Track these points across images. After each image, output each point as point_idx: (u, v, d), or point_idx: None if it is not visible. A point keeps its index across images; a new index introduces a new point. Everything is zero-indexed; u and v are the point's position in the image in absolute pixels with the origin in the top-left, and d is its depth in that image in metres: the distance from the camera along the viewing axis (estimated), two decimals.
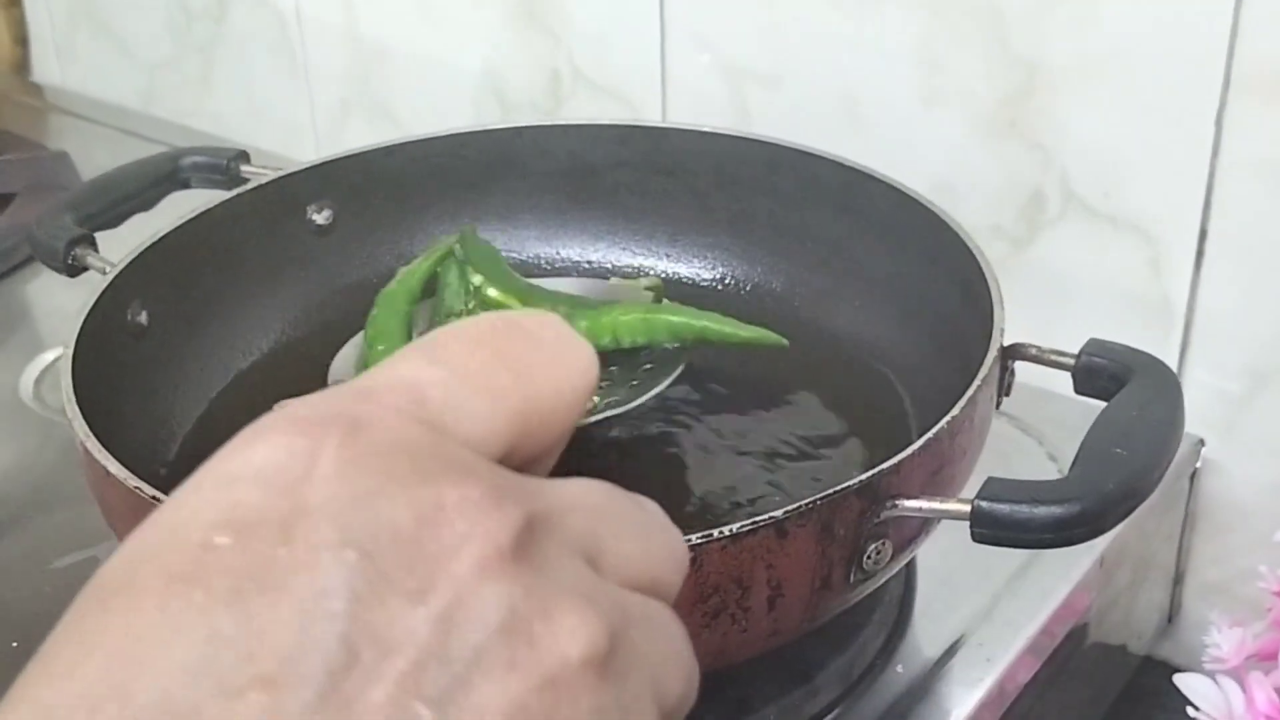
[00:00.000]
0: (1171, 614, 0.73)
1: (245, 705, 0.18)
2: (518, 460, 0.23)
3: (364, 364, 0.57)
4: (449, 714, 0.19)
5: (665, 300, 0.60)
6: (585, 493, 0.23)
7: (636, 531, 0.24)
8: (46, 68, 1.14)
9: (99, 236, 0.63)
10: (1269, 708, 0.56)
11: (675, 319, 0.57)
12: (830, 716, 0.52)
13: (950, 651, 0.56)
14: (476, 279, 0.60)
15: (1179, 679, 0.56)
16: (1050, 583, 0.59)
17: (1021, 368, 0.55)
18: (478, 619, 0.20)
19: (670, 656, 0.23)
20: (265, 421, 0.21)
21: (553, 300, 0.59)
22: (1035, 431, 0.67)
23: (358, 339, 0.58)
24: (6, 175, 0.87)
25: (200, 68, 1.03)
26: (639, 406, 0.54)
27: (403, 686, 0.19)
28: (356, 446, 0.21)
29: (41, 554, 0.61)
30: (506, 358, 0.23)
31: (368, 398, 0.22)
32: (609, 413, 0.54)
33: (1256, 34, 0.61)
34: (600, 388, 0.55)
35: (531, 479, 0.23)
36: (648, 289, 0.61)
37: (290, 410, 0.22)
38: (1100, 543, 0.60)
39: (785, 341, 0.57)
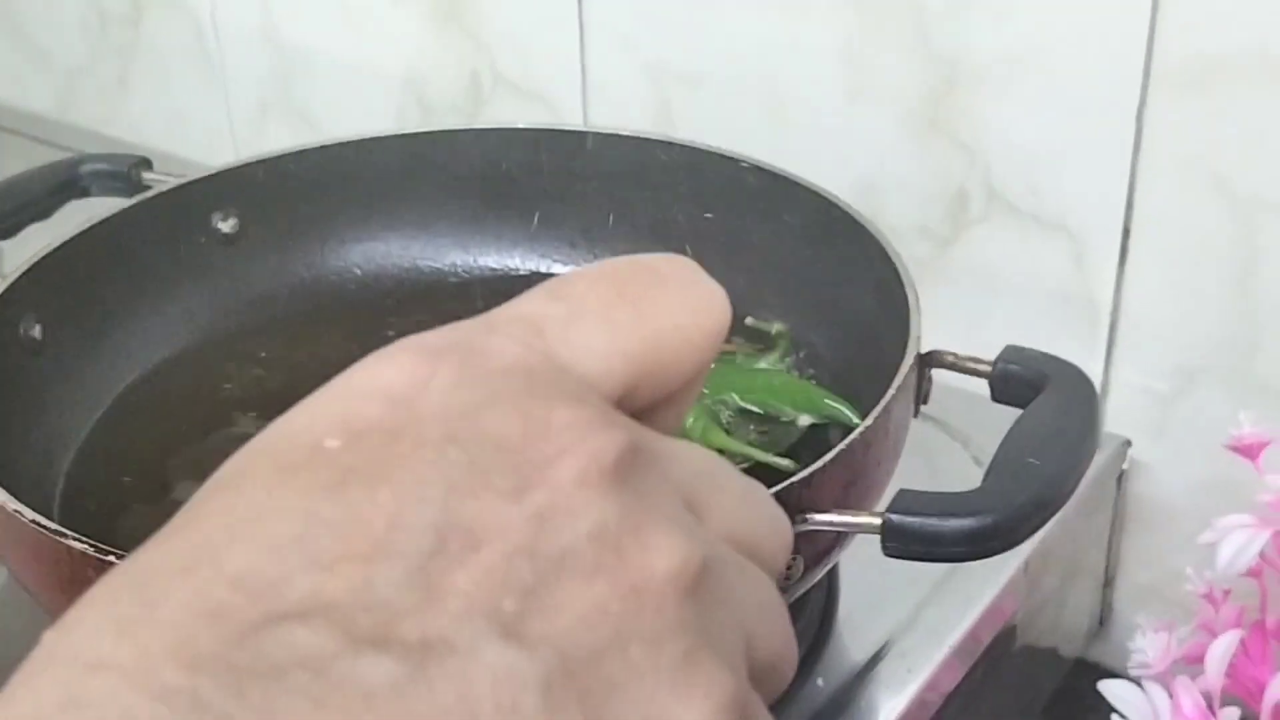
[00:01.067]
0: (1103, 617, 0.72)
1: (334, 577, 0.19)
2: (640, 402, 0.23)
3: None
4: (530, 607, 0.19)
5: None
6: (695, 451, 0.23)
7: (742, 497, 0.24)
8: None
9: None
10: (1195, 713, 0.55)
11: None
12: None
13: (872, 662, 0.55)
14: None
15: (1104, 685, 0.55)
16: (975, 589, 0.58)
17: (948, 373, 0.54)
18: (569, 523, 0.20)
19: (766, 613, 0.23)
20: (390, 347, 0.22)
21: None
22: (960, 435, 0.66)
23: None
24: None
25: (116, 73, 1.01)
26: None
27: (489, 576, 0.19)
28: (474, 368, 0.21)
29: None
30: (629, 295, 0.23)
31: (488, 329, 0.22)
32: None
33: (1175, 29, 0.60)
34: None
35: (641, 426, 0.22)
36: (778, 333, 0.60)
37: (416, 338, 0.22)
38: (1025, 548, 0.59)
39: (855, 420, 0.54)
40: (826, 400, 0.56)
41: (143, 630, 0.18)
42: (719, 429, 0.55)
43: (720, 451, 0.52)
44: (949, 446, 0.65)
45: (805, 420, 0.56)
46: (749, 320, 0.60)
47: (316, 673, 0.18)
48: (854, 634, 0.56)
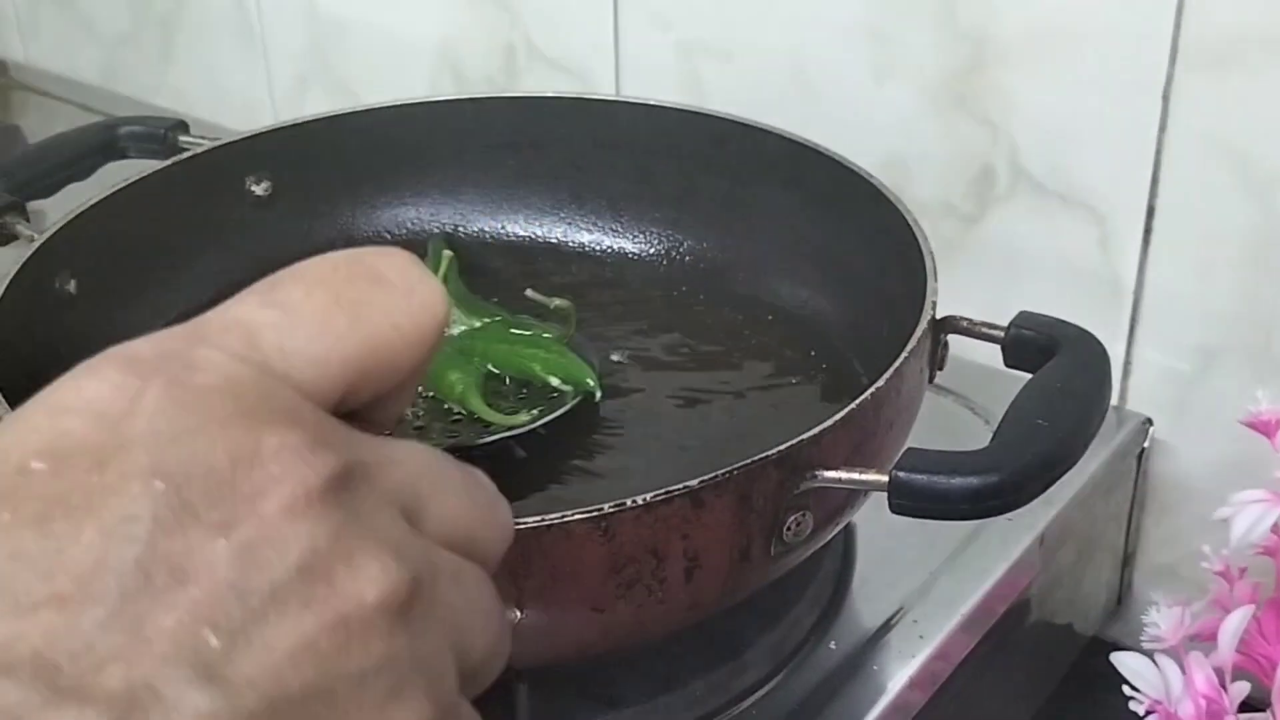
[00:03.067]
0: (1121, 595, 0.72)
1: (36, 622, 0.19)
2: (359, 401, 0.24)
3: None
4: (238, 645, 0.20)
5: (575, 322, 0.60)
6: (411, 452, 0.23)
7: (459, 493, 0.24)
8: (8, 43, 1.13)
9: (36, 207, 0.62)
10: (1207, 688, 0.55)
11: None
12: (760, 693, 0.52)
13: (885, 628, 0.55)
14: None
15: (1116, 657, 0.56)
16: (989, 560, 0.58)
17: (969, 345, 0.54)
18: (278, 556, 0.20)
19: (478, 615, 0.23)
20: (98, 358, 0.22)
21: (479, 312, 0.60)
22: (981, 409, 0.66)
23: None
24: None
25: (160, 43, 1.02)
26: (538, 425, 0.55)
27: (194, 614, 0.19)
28: (183, 386, 0.21)
29: None
30: (345, 299, 0.23)
31: (200, 339, 0.22)
32: (513, 432, 0.55)
33: (1203, 6, 0.60)
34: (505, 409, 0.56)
35: (358, 432, 0.23)
36: (558, 309, 0.60)
37: (123, 349, 0.22)
38: (1040, 521, 0.60)
39: (596, 392, 0.57)
40: (573, 365, 0.58)
41: None
42: (477, 393, 0.56)
43: (471, 415, 0.55)
44: (970, 420, 0.65)
45: (556, 382, 0.57)
46: (529, 292, 0.60)
47: None
48: (867, 600, 0.57)
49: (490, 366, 0.58)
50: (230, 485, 0.20)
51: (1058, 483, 0.45)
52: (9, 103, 1.07)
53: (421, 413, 0.57)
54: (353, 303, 0.23)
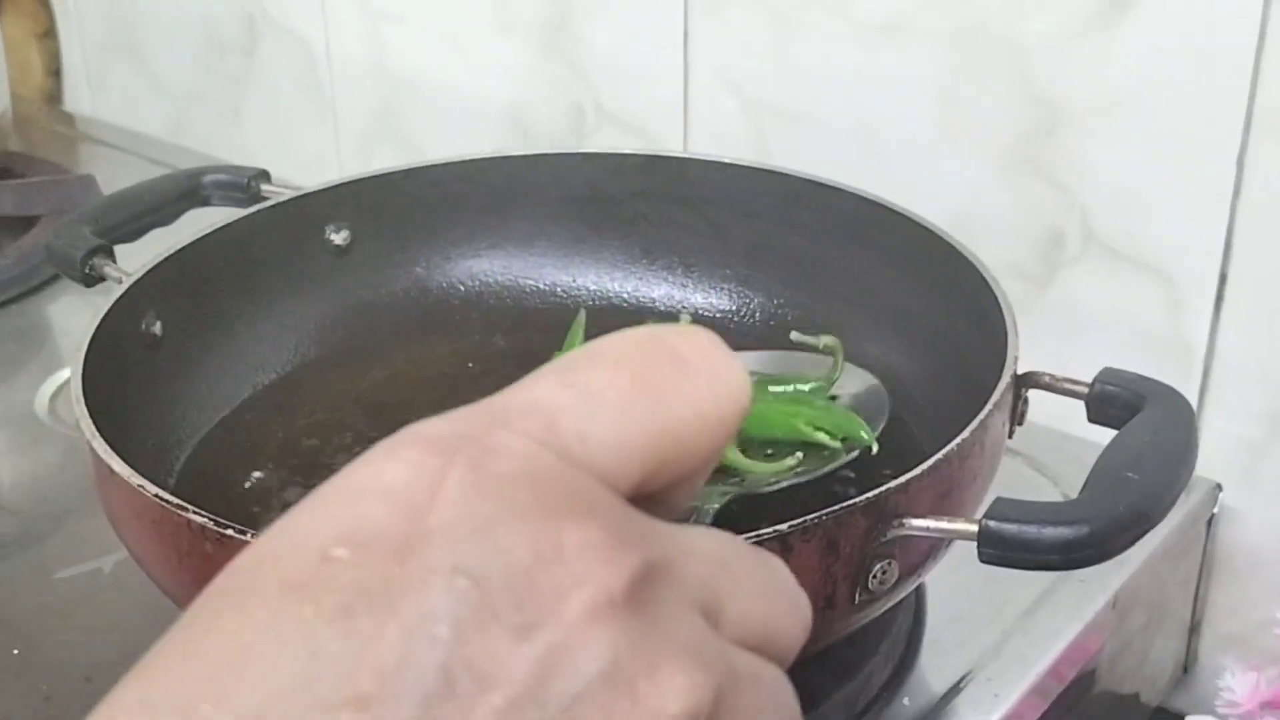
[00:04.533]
0: (1187, 664, 0.72)
1: None
2: (655, 487, 0.23)
3: None
4: None
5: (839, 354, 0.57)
6: (711, 542, 0.23)
7: (758, 587, 0.23)
8: (78, 97, 1.15)
9: (119, 252, 0.63)
10: None
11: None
12: None
13: (957, 687, 0.55)
14: None
15: None
16: (1061, 621, 0.58)
17: (1039, 409, 0.54)
18: (580, 665, 0.19)
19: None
20: (398, 437, 0.21)
21: None
22: (1051, 472, 0.66)
23: None
24: (32, 197, 0.87)
25: (229, 99, 1.04)
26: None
27: None
28: (483, 472, 0.20)
29: (48, 565, 0.61)
30: (646, 383, 0.22)
31: (500, 421, 0.21)
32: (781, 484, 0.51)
33: (1278, 72, 0.60)
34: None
35: (658, 523, 0.22)
36: (826, 346, 0.57)
37: (423, 428, 0.21)
38: (1114, 583, 0.59)
39: (872, 445, 0.53)
40: (841, 418, 0.54)
41: None
42: (731, 447, 0.52)
43: (729, 469, 0.51)
44: (1038, 481, 0.65)
45: (824, 439, 0.53)
46: (794, 335, 0.57)
47: None
48: (939, 657, 0.56)
49: (759, 432, 0.54)
50: (531, 585, 0.20)
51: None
52: (77, 155, 1.09)
53: None
54: (654, 387, 0.22)
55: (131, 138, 1.09)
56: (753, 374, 0.57)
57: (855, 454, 0.53)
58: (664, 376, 0.22)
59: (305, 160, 1.00)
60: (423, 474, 0.20)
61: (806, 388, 0.56)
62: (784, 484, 0.51)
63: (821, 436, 0.53)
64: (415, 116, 0.93)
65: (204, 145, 1.07)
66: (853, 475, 0.54)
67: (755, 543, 0.42)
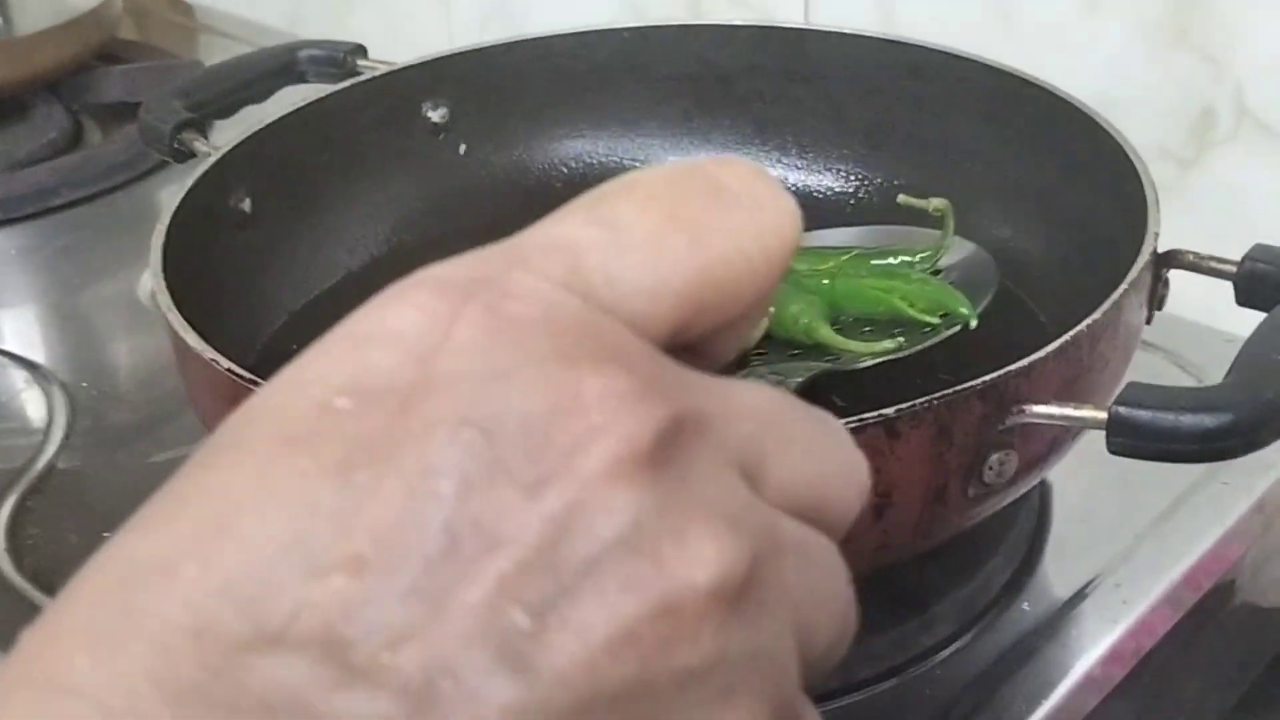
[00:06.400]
0: None
1: (330, 587, 0.17)
2: (694, 335, 0.20)
3: None
4: (549, 626, 0.17)
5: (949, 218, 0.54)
6: (756, 397, 0.20)
7: (809, 446, 0.21)
8: None
9: (215, 132, 0.61)
10: None
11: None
12: (946, 651, 0.48)
13: (1082, 593, 0.51)
14: None
15: None
16: (1200, 526, 0.54)
17: (1182, 299, 0.50)
18: (598, 526, 0.17)
19: (825, 597, 0.20)
20: (407, 282, 0.19)
21: (824, 258, 0.53)
22: (1194, 368, 0.61)
23: None
24: (140, 82, 0.86)
25: None
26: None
27: (502, 588, 0.17)
28: (498, 316, 0.18)
29: (142, 450, 0.60)
30: (683, 217, 0.20)
31: (519, 262, 0.19)
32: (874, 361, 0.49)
33: None
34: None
35: (694, 373, 0.20)
36: (936, 209, 0.54)
37: (433, 271, 0.19)
38: (1259, 485, 0.55)
39: (971, 320, 0.50)
40: (940, 292, 0.51)
41: (120, 651, 0.17)
42: (824, 324, 0.50)
43: (822, 347, 0.49)
44: (1177, 376, 0.60)
45: (918, 314, 0.51)
46: (901, 199, 0.54)
47: (303, 715, 0.16)
48: (1064, 561, 0.52)
49: (839, 311, 0.52)
50: (546, 437, 0.18)
51: (1276, 444, 0.40)
52: (195, 44, 1.08)
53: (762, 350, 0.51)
54: (691, 222, 0.20)
55: (249, 27, 1.08)
56: (854, 249, 0.54)
57: (956, 329, 0.50)
58: (702, 210, 0.20)
59: (419, 46, 0.98)
60: (433, 319, 0.18)
61: (913, 258, 0.53)
62: (876, 361, 0.48)
63: (916, 312, 0.50)
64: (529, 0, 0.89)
65: (319, 35, 1.05)
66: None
67: (859, 428, 0.38)
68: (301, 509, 0.17)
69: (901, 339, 0.49)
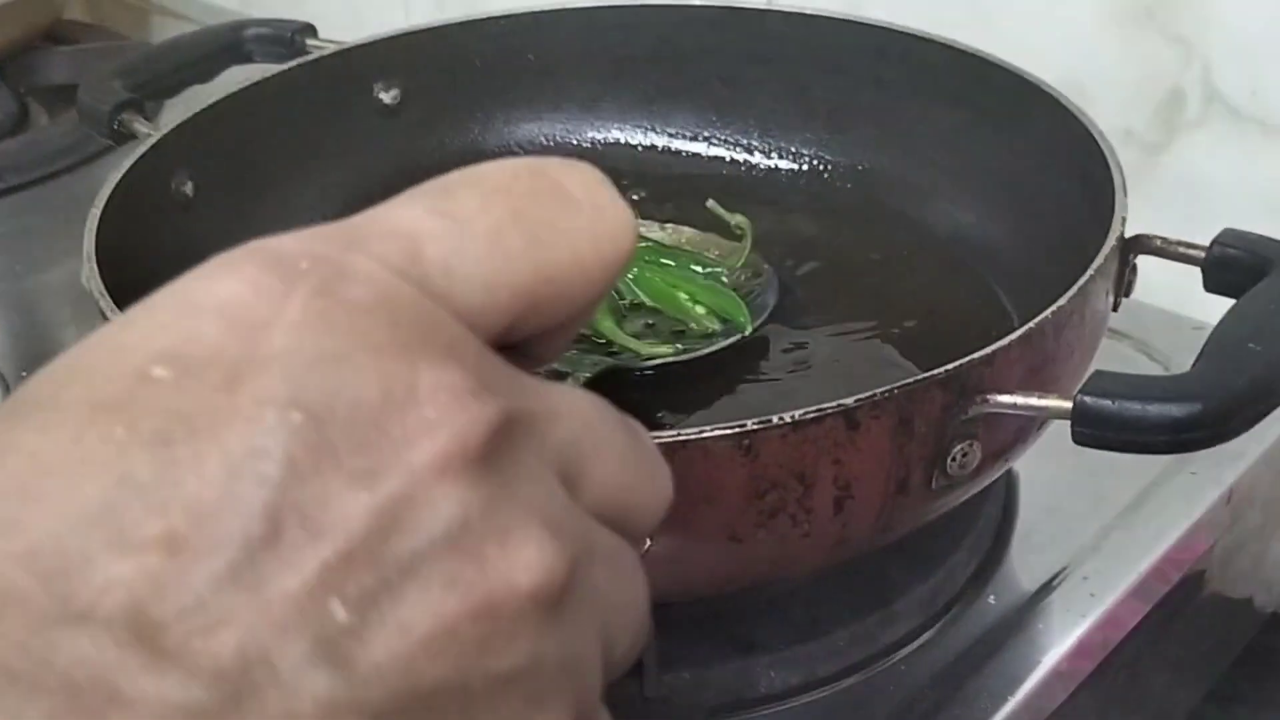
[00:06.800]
0: None
1: (141, 565, 0.16)
2: (522, 334, 0.21)
3: None
4: (368, 622, 0.17)
5: (749, 237, 0.55)
6: (576, 402, 0.20)
7: (622, 455, 0.21)
8: None
9: (163, 112, 0.59)
10: None
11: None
12: (910, 647, 0.47)
13: (1048, 586, 0.50)
14: None
15: None
16: (1168, 517, 0.53)
17: (1150, 287, 0.48)
18: (424, 521, 0.17)
19: (627, 606, 0.21)
20: (239, 251, 0.19)
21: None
22: (1161, 355, 0.60)
23: None
24: (85, 64, 0.84)
25: None
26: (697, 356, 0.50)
27: (323, 578, 0.17)
28: (333, 297, 0.18)
29: None
30: (524, 216, 0.20)
31: (357, 244, 0.19)
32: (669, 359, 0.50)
33: None
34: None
35: (521, 375, 0.20)
36: (737, 226, 0.55)
37: (268, 244, 0.19)
38: (1228, 475, 0.54)
39: (746, 328, 0.51)
40: (724, 299, 0.52)
41: None
42: (609, 317, 0.50)
43: (604, 341, 0.50)
44: (1144, 365, 0.59)
45: (702, 313, 0.52)
46: (710, 204, 0.55)
47: (109, 697, 0.15)
48: (1031, 553, 0.51)
49: (636, 295, 0.53)
50: (377, 427, 0.17)
51: (1246, 434, 0.39)
52: (148, 26, 1.06)
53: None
54: (532, 221, 0.20)
55: (202, 9, 1.06)
56: (650, 242, 0.54)
57: (736, 338, 0.51)
58: (543, 211, 0.20)
59: (378, 24, 0.96)
60: (264, 294, 0.18)
61: (701, 270, 0.53)
62: (659, 362, 0.49)
63: (699, 312, 0.52)
64: None
65: (276, 15, 1.03)
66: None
67: (818, 417, 0.37)
68: (114, 479, 0.16)
69: (679, 345, 0.50)
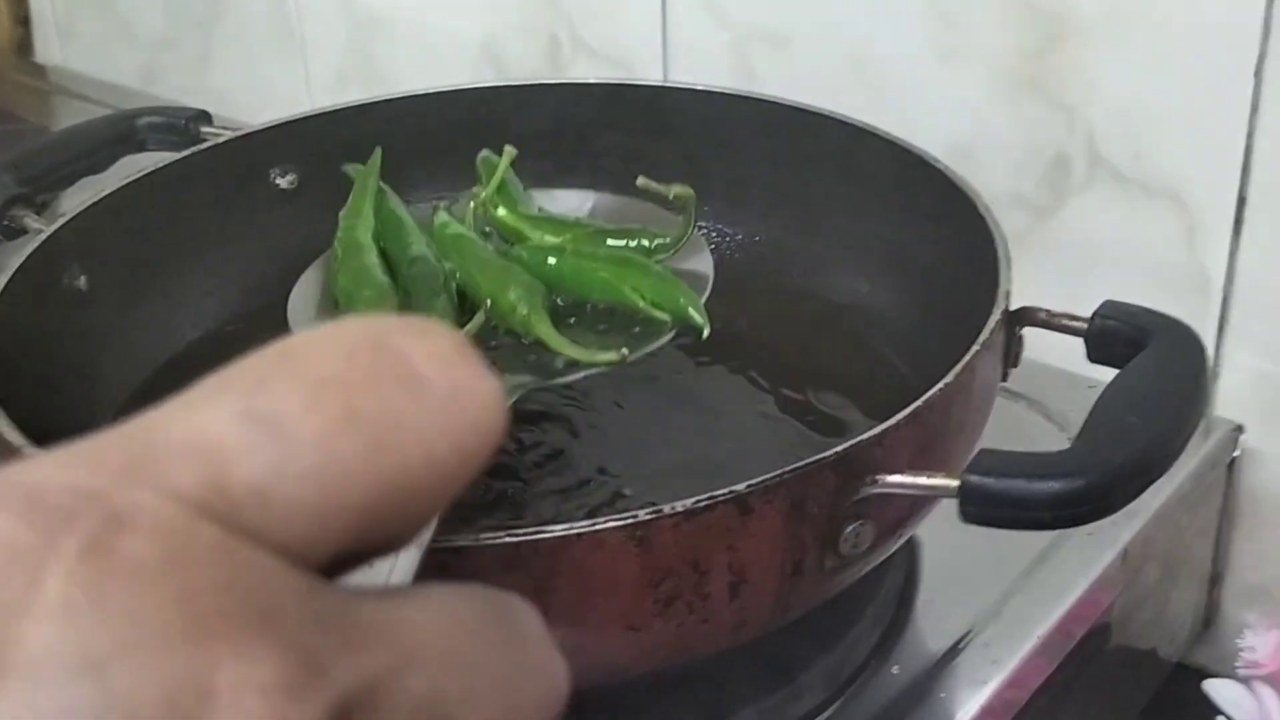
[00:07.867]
0: (1208, 617, 0.67)
1: None
2: (363, 546, 0.17)
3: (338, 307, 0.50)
4: None
5: (693, 212, 0.51)
6: (438, 628, 0.17)
7: (497, 674, 0.17)
8: (48, 48, 1.11)
9: (61, 198, 0.59)
10: None
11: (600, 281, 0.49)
12: None
13: (953, 651, 0.50)
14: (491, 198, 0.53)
15: (1209, 685, 0.51)
16: (1067, 578, 0.54)
17: (1044, 348, 0.49)
18: None
19: None
20: None
21: (558, 228, 0.52)
22: (1058, 416, 0.61)
23: (318, 264, 0.52)
24: None
25: (199, 45, 1.00)
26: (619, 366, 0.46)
27: None
28: (105, 559, 0.14)
29: None
30: (362, 413, 0.16)
31: (142, 470, 0.15)
32: (592, 371, 0.46)
33: None
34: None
35: (362, 618, 0.16)
36: (677, 197, 0.51)
37: (22, 477, 0.14)
38: (1124, 535, 0.55)
39: (704, 328, 0.48)
40: (673, 290, 0.48)
41: None
42: (545, 319, 0.47)
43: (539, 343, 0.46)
44: (1042, 425, 0.60)
45: (644, 305, 0.48)
46: (641, 181, 0.51)
47: None
48: (934, 620, 0.52)
49: (563, 294, 0.49)
50: None
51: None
52: (49, 107, 1.05)
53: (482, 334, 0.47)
54: (373, 420, 0.16)
55: (103, 88, 1.05)
56: (588, 224, 0.53)
57: (674, 335, 0.47)
58: (387, 402, 0.16)
59: (278, 103, 0.96)
60: (16, 560, 0.14)
61: (650, 244, 0.50)
62: (592, 372, 0.45)
63: (646, 305, 0.48)
64: (386, 53, 0.88)
65: (177, 93, 1.02)
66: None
67: (709, 504, 0.37)
68: None
69: (625, 350, 0.46)
